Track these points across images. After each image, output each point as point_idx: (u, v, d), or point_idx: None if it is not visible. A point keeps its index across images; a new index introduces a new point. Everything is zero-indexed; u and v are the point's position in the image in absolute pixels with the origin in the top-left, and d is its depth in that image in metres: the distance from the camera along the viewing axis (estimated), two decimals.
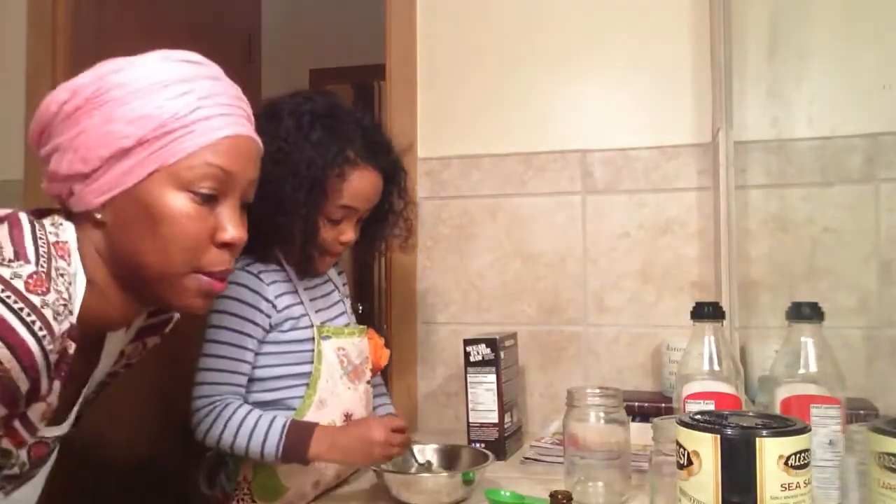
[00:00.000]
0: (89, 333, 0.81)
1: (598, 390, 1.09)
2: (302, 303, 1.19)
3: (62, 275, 0.74)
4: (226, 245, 0.82)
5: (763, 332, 1.42)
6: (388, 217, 1.27)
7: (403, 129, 1.61)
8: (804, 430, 0.72)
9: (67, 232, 0.80)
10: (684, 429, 0.76)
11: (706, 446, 0.73)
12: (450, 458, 1.21)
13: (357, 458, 1.12)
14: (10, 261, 0.69)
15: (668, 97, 1.55)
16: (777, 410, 0.95)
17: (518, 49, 1.64)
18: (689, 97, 1.54)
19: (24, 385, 0.68)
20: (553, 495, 0.87)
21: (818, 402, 0.93)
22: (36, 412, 0.75)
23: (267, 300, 1.14)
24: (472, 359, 1.36)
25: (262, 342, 1.14)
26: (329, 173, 1.12)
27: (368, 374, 1.27)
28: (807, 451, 0.72)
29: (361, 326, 1.30)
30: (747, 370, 1.33)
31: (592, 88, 1.60)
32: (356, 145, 1.15)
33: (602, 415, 1.06)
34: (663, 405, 1.36)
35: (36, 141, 0.83)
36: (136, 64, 0.80)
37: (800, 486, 0.70)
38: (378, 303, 3.22)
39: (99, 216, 0.79)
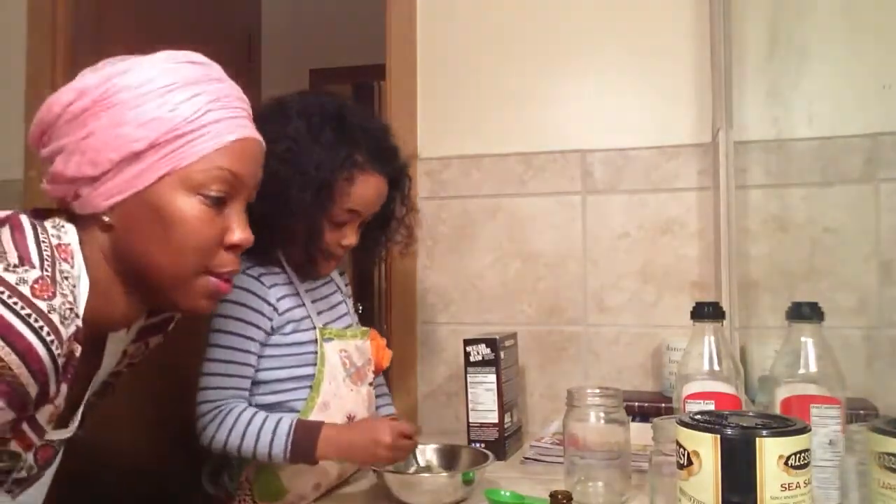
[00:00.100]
0: (92, 334, 0.81)
1: (598, 390, 1.09)
2: (304, 305, 1.19)
3: (66, 278, 0.74)
4: (233, 247, 0.83)
5: (763, 332, 1.42)
6: (389, 223, 1.27)
7: (403, 129, 1.61)
8: (804, 430, 0.72)
9: (70, 234, 0.80)
10: (684, 429, 0.76)
11: (706, 446, 0.73)
12: (450, 458, 1.21)
13: (361, 458, 1.12)
14: (14, 266, 0.69)
15: (668, 97, 1.55)
16: (777, 410, 0.95)
17: (518, 49, 1.64)
18: (689, 97, 1.54)
19: (33, 390, 0.69)
20: (553, 495, 0.87)
21: (818, 402, 0.93)
22: (44, 415, 0.76)
23: (268, 303, 1.14)
24: (472, 359, 1.36)
25: (264, 345, 1.14)
26: (337, 176, 1.11)
27: (371, 376, 1.27)
28: (807, 451, 0.72)
29: (364, 328, 1.30)
30: (747, 370, 1.33)
31: (592, 88, 1.60)
32: (365, 149, 1.14)
33: (602, 415, 1.06)
34: (663, 405, 1.36)
35: (37, 141, 0.83)
36: (142, 65, 0.79)
37: (800, 486, 0.70)
38: (378, 303, 3.22)
39: (107, 219, 0.79)
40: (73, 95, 0.78)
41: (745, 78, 1.48)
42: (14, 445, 0.77)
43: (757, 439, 0.71)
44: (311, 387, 1.15)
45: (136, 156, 0.77)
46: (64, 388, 0.75)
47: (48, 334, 0.67)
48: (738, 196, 1.43)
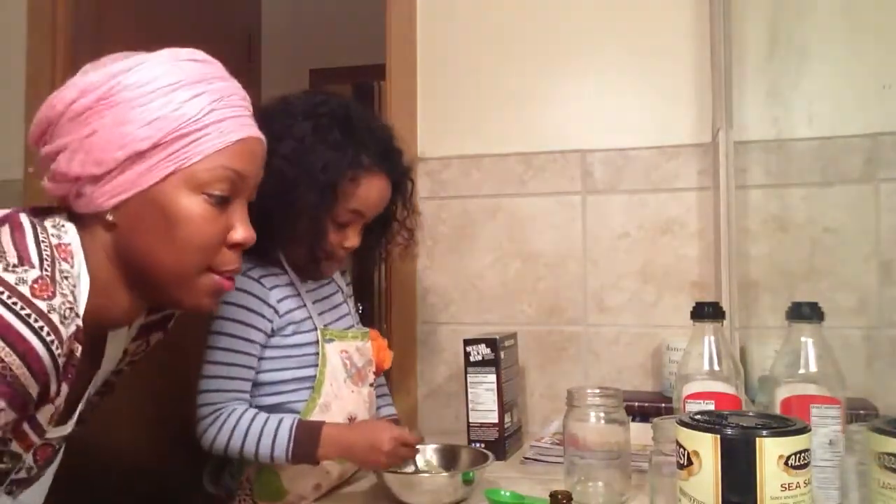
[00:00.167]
0: (93, 332, 0.81)
1: (598, 390, 1.09)
2: (305, 306, 1.18)
3: (66, 277, 0.74)
4: (236, 245, 0.84)
5: (763, 332, 1.42)
6: (390, 225, 1.27)
7: (403, 129, 1.61)
8: (804, 430, 0.72)
9: (69, 233, 0.80)
10: (684, 429, 0.76)
11: (706, 446, 0.73)
12: (450, 458, 1.21)
13: (359, 460, 1.12)
14: (14, 266, 0.69)
15: (668, 97, 1.55)
16: (777, 410, 0.95)
17: (518, 49, 1.64)
18: (689, 97, 1.54)
19: (34, 390, 0.69)
20: (553, 495, 0.87)
21: (818, 402, 0.93)
22: (44, 415, 0.76)
23: (268, 305, 1.14)
24: (472, 359, 1.36)
25: (264, 347, 1.14)
26: (343, 177, 1.11)
27: (371, 377, 1.27)
28: (807, 451, 0.72)
29: (365, 329, 1.30)
30: (747, 370, 1.33)
31: (592, 88, 1.60)
32: (371, 151, 1.15)
33: (602, 415, 1.06)
34: (663, 405, 1.36)
35: (38, 139, 0.82)
36: (146, 63, 0.79)
37: (800, 486, 0.70)
38: (378, 303, 3.22)
39: (110, 217, 0.79)
40: (75, 93, 0.78)
41: (745, 78, 1.48)
42: (15, 446, 0.77)
43: (757, 439, 0.70)
44: (312, 388, 1.15)
45: (140, 155, 0.77)
46: (65, 387, 0.75)
47: (48, 334, 0.67)
48: (738, 196, 1.43)
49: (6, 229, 0.75)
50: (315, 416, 1.14)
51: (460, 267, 1.65)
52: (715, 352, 1.00)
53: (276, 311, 1.14)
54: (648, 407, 1.38)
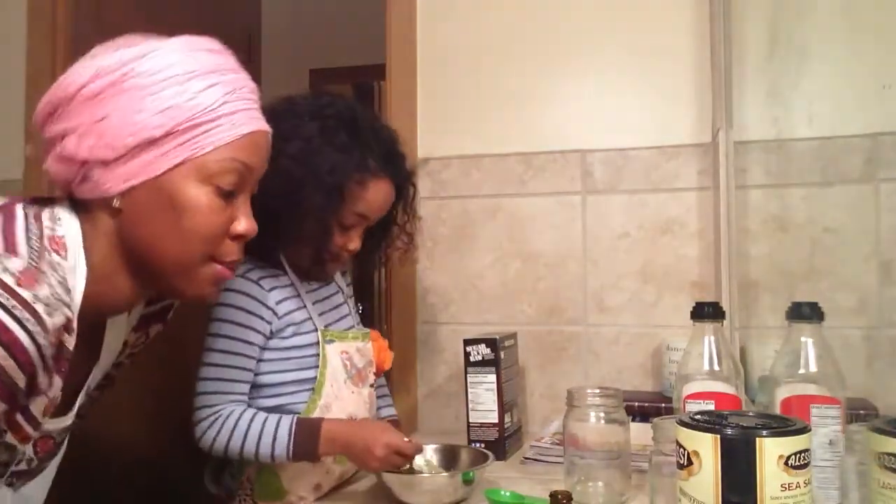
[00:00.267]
0: (91, 320, 0.81)
1: (598, 390, 1.09)
2: (305, 307, 1.18)
3: (55, 269, 0.73)
4: (238, 236, 0.84)
5: (763, 332, 1.42)
6: (390, 229, 1.27)
7: (403, 129, 1.61)
8: (804, 430, 0.72)
9: (65, 225, 0.79)
10: (684, 429, 0.76)
11: (706, 446, 0.73)
12: (450, 458, 1.21)
13: (354, 459, 1.12)
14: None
15: (668, 97, 1.55)
16: (777, 410, 0.95)
17: (518, 49, 1.64)
18: (689, 97, 1.54)
19: (20, 381, 0.68)
20: (553, 495, 0.87)
21: (818, 402, 0.93)
22: (37, 406, 0.75)
23: (267, 307, 1.13)
24: (472, 359, 1.36)
25: (263, 349, 1.14)
26: (351, 179, 1.11)
27: (372, 378, 1.26)
28: (807, 451, 0.72)
29: (365, 330, 1.30)
30: (747, 370, 1.33)
31: (592, 88, 1.60)
32: (377, 154, 1.15)
33: (602, 415, 1.06)
34: (663, 405, 1.36)
35: (45, 119, 0.81)
36: (161, 50, 0.79)
37: (800, 486, 0.70)
38: (378, 303, 3.22)
39: (116, 204, 0.79)
40: (88, 76, 0.78)
41: (745, 78, 1.48)
42: (10, 438, 0.76)
43: (757, 439, 0.71)
44: (312, 389, 1.15)
45: (152, 142, 0.77)
46: (58, 379, 0.74)
47: (33, 325, 0.67)
48: (738, 196, 1.43)
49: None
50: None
51: (460, 267, 1.65)
52: (715, 352, 1.00)
53: (276, 313, 1.14)
54: (648, 407, 1.38)
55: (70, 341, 0.73)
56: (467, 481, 1.08)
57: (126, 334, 0.95)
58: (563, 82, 1.62)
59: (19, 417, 0.75)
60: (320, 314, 1.20)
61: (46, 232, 0.76)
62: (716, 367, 1.00)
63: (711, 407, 0.98)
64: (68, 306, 0.72)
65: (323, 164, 1.09)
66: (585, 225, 1.59)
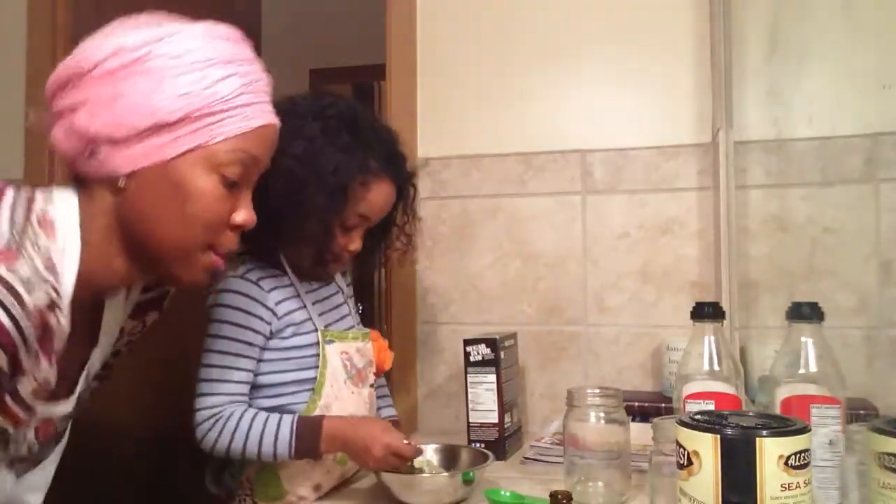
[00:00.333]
0: (87, 302, 0.81)
1: (598, 390, 1.09)
2: (305, 307, 1.18)
3: (39, 249, 0.73)
4: (237, 227, 0.85)
5: (763, 332, 1.42)
6: (390, 229, 1.27)
7: (403, 129, 1.61)
8: (804, 430, 0.72)
9: (58, 206, 0.79)
10: (684, 429, 0.76)
11: (706, 446, 0.73)
12: (450, 458, 1.20)
13: (352, 458, 1.12)
14: None
15: (668, 97, 1.55)
16: (777, 410, 0.95)
17: (518, 49, 1.64)
18: (689, 97, 1.54)
19: (2, 360, 0.68)
20: (553, 495, 0.87)
21: (818, 402, 0.93)
22: (25, 388, 0.75)
23: (266, 307, 1.13)
24: (472, 359, 1.36)
25: (263, 349, 1.13)
26: (354, 180, 1.12)
27: (372, 378, 1.26)
28: (807, 451, 0.72)
29: (365, 330, 1.30)
30: (747, 370, 1.33)
31: (592, 88, 1.60)
32: (378, 155, 1.15)
33: (602, 415, 1.06)
34: (663, 405, 1.36)
35: (58, 89, 0.80)
36: (183, 34, 0.79)
37: (800, 486, 0.70)
38: (378, 303, 3.22)
39: (121, 183, 0.79)
40: (106, 52, 0.77)
41: (745, 78, 1.48)
42: (1, 421, 0.76)
43: (757, 439, 0.71)
44: (312, 389, 1.15)
45: (166, 126, 0.77)
46: (44, 361, 0.74)
47: (11, 303, 0.67)
48: (738, 196, 1.43)
49: None
50: None
51: (460, 267, 1.65)
52: (715, 352, 1.00)
53: (275, 314, 1.14)
54: (648, 407, 1.38)
55: (57, 322, 0.73)
56: (467, 481, 1.08)
57: (123, 319, 0.95)
58: (563, 82, 1.62)
59: (7, 399, 0.75)
60: (320, 314, 1.20)
61: (37, 212, 0.76)
62: (716, 367, 1.00)
63: (711, 407, 0.98)
64: (54, 287, 0.72)
65: (326, 164, 1.09)
66: (585, 225, 1.59)
